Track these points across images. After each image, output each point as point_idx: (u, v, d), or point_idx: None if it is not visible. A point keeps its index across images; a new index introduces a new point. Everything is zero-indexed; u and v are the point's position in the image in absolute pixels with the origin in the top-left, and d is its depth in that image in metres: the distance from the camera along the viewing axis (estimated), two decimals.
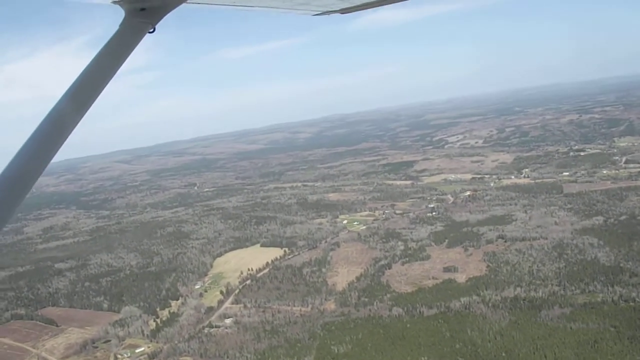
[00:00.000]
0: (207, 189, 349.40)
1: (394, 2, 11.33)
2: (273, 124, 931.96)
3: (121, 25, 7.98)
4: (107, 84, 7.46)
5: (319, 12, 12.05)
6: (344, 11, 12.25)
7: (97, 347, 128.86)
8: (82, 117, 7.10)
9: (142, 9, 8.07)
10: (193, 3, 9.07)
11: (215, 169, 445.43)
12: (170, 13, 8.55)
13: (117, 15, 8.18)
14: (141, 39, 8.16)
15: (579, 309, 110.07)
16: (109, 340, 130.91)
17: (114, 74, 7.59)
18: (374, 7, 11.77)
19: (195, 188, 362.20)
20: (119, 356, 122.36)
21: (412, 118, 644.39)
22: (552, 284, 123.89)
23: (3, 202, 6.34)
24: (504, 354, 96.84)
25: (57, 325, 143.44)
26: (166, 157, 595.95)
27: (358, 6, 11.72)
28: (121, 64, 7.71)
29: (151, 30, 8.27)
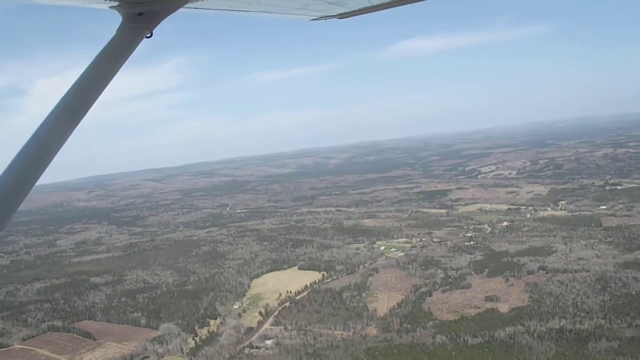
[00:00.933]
0: (239, 210, 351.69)
1: (389, 7, 11.83)
2: (302, 148, 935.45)
3: (118, 30, 8.09)
4: (104, 88, 7.46)
5: (316, 17, 12.35)
6: (341, 16, 12.52)
7: None
8: (79, 121, 7.04)
9: (140, 14, 8.22)
10: (190, 8, 9.17)
11: (246, 191, 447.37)
12: (167, 18, 8.65)
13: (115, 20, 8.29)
14: (138, 43, 8.25)
15: (626, 342, 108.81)
16: (148, 357, 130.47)
17: (111, 79, 7.62)
18: (370, 11, 12.30)
19: (228, 209, 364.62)
20: None
21: (443, 147, 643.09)
22: (597, 317, 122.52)
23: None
24: None
25: (94, 339, 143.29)
26: (196, 177, 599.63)
27: (355, 11, 12.02)
28: (118, 69, 7.76)
29: (148, 35, 8.38)
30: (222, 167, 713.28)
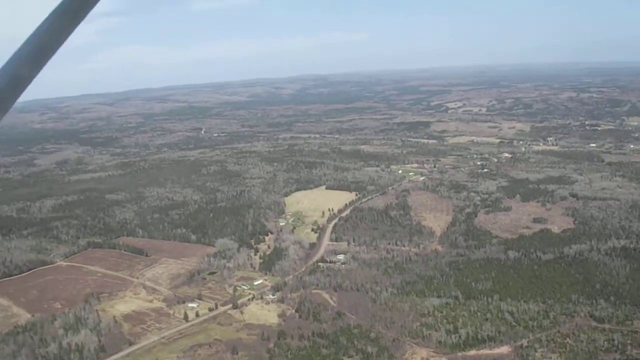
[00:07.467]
0: (216, 134, 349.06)
1: None
2: (250, 78, 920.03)
3: None
4: (70, 33, 6.43)
5: None
6: None
7: (204, 279, 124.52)
8: (44, 64, 6.36)
9: None
10: None
11: (212, 116, 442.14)
12: None
13: None
14: None
15: None
16: (215, 272, 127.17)
17: (78, 24, 6.60)
18: None
19: (202, 132, 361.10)
20: (239, 288, 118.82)
21: (395, 83, 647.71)
22: None
23: None
24: None
25: (146, 255, 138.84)
26: (149, 102, 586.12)
27: None
28: (85, 15, 6.62)
29: None
30: (170, 93, 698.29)
